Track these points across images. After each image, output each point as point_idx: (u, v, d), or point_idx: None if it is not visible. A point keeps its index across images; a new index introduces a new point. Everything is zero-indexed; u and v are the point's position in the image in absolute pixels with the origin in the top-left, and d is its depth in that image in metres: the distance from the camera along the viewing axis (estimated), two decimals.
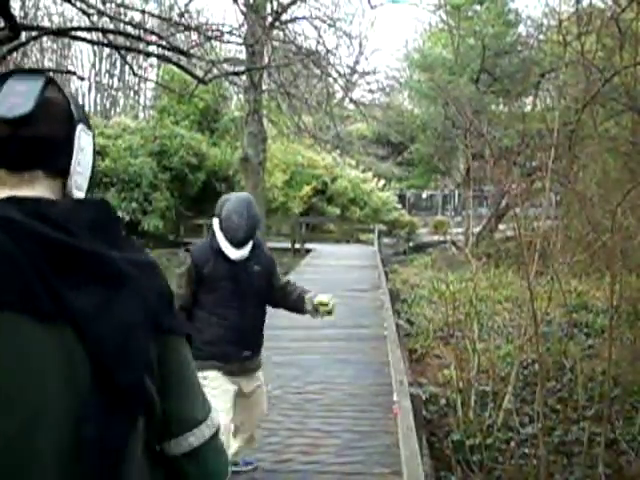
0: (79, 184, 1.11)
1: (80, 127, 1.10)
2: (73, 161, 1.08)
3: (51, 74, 1.11)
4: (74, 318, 0.94)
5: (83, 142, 1.10)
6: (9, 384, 0.88)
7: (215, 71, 8.09)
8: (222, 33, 9.29)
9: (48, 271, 0.94)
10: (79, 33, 6.71)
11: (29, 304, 0.91)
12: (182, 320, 1.18)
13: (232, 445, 3.42)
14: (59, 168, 1.07)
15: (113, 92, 35.95)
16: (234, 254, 3.20)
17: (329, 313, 3.41)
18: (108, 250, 1.01)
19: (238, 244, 3.18)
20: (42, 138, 1.04)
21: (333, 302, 3.42)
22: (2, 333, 0.90)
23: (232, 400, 3.26)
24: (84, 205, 1.08)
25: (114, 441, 0.93)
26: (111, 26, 7.88)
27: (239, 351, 3.28)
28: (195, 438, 1.11)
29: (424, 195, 36.20)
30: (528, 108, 20.04)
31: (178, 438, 1.09)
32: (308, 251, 19.43)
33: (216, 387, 3.14)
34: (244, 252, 3.23)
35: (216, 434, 1.16)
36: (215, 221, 3.26)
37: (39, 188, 1.05)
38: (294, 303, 3.48)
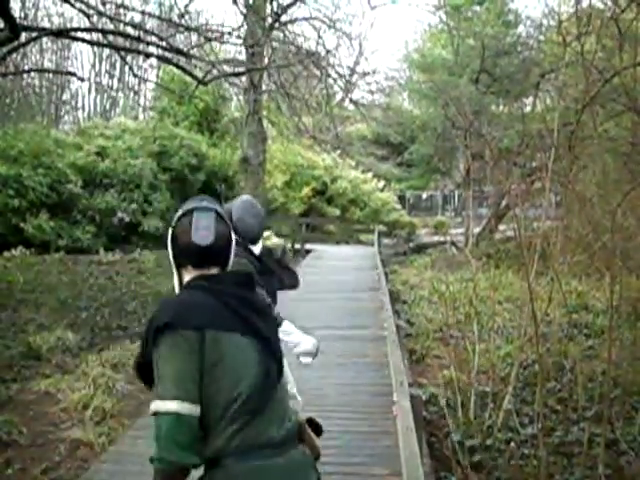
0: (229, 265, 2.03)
1: (233, 241, 2.01)
2: (231, 258, 2.01)
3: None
4: (259, 334, 1.89)
5: (232, 249, 2.01)
6: (238, 367, 1.80)
7: (215, 72, 8.11)
8: (222, 34, 9.30)
9: (241, 309, 1.88)
10: (79, 34, 6.72)
11: (236, 326, 1.84)
12: None
13: None
14: (223, 265, 1.99)
15: (113, 93, 35.94)
16: (256, 250, 3.60)
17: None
18: (255, 296, 2.06)
19: (254, 240, 3.58)
20: (217, 252, 1.95)
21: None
22: (231, 342, 1.81)
23: None
24: (239, 275, 2.04)
25: (270, 380, 1.88)
26: (111, 27, 7.88)
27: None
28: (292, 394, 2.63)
29: (424, 196, 36.21)
30: (528, 108, 20.04)
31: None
32: (308, 252, 19.44)
33: None
34: (260, 246, 3.64)
35: None
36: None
37: (212, 271, 1.97)
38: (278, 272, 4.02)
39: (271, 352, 1.91)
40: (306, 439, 2.01)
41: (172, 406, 1.70)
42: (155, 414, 1.73)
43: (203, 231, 1.90)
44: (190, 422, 1.72)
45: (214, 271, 1.96)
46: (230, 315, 1.85)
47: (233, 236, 2.00)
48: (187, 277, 1.97)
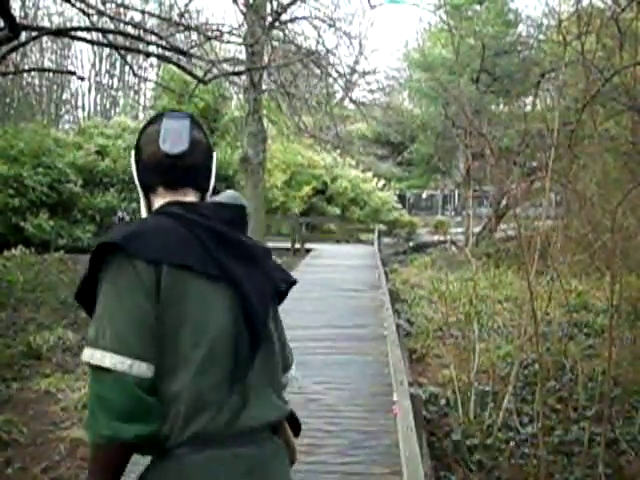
0: (208, 194, 1.62)
1: (214, 155, 1.60)
2: (211, 181, 1.61)
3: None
4: (232, 280, 1.44)
5: (214, 165, 1.60)
6: (201, 319, 1.39)
7: (215, 71, 8.10)
8: (222, 33, 9.30)
9: (213, 248, 1.44)
10: (79, 33, 6.71)
11: (205, 269, 1.41)
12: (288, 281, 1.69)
13: None
14: (201, 187, 1.58)
15: (113, 92, 35.94)
16: None
17: None
18: (243, 237, 1.55)
19: None
20: (193, 166, 1.53)
21: None
22: (191, 286, 1.39)
23: None
24: (225, 207, 1.58)
25: (249, 358, 1.45)
26: (111, 26, 7.88)
27: None
28: (287, 378, 1.72)
29: (424, 195, 36.20)
30: (528, 108, 20.02)
31: (283, 373, 1.66)
32: (308, 251, 19.43)
33: None
34: None
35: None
36: None
37: (189, 198, 1.54)
38: None
39: (250, 309, 1.44)
40: (282, 435, 1.61)
41: (101, 359, 1.30)
42: (89, 365, 1.33)
43: (173, 136, 1.49)
44: (130, 384, 1.29)
45: (191, 197, 1.53)
46: (201, 253, 1.41)
47: (214, 154, 1.59)
48: (158, 204, 1.53)
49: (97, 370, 1.31)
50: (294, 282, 1.67)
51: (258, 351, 1.46)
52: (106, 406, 1.28)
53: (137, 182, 1.59)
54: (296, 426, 1.75)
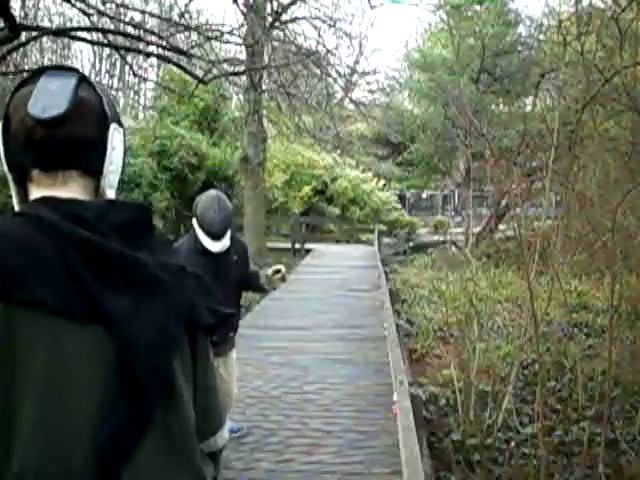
0: (111, 182, 1.12)
1: (113, 126, 1.12)
2: (106, 161, 1.10)
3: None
4: (107, 320, 0.97)
5: (115, 141, 1.12)
6: (53, 383, 0.93)
7: (215, 71, 8.10)
8: (222, 33, 9.29)
9: (82, 272, 0.96)
10: (79, 33, 6.72)
11: (65, 306, 0.95)
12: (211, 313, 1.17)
13: None
14: (93, 168, 1.09)
15: (113, 92, 35.93)
16: (215, 247, 3.49)
17: (282, 279, 3.94)
18: (140, 253, 1.04)
19: (216, 236, 3.48)
20: (76, 139, 1.05)
21: (282, 268, 3.93)
22: (39, 333, 0.93)
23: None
24: (118, 207, 1.08)
25: (126, 443, 0.97)
26: (111, 26, 7.88)
27: (224, 334, 3.65)
28: (219, 440, 1.21)
29: (424, 195, 36.20)
30: (528, 108, 20.02)
31: (207, 440, 1.18)
32: (308, 251, 19.43)
33: None
34: (224, 243, 3.53)
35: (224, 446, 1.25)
36: (194, 220, 3.56)
37: (73, 188, 1.07)
38: (254, 282, 3.92)
39: (137, 363, 0.99)
40: None
41: None
42: None
43: (48, 98, 1.03)
44: None
45: (76, 185, 1.07)
46: (67, 283, 0.95)
47: (116, 126, 1.12)
48: (33, 197, 1.08)
49: None
50: (227, 315, 1.22)
51: (148, 425, 0.99)
52: None
53: (4, 163, 1.09)
54: None
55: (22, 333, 0.92)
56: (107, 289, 0.98)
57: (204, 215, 3.47)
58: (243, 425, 4.67)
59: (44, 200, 1.04)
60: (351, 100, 22.00)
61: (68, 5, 6.63)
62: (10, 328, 0.91)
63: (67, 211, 1.01)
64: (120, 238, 1.02)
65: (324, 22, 16.54)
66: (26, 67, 22.80)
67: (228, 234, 3.55)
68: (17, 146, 1.06)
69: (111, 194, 1.12)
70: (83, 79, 1.10)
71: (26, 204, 1.07)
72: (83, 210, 1.03)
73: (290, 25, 16.02)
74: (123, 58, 8.85)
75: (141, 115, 32.76)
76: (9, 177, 1.10)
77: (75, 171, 1.07)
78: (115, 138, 1.12)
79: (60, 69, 1.11)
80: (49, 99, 1.04)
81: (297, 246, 20.13)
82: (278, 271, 3.89)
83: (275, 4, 15.10)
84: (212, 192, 3.67)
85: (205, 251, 3.49)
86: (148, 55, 7.41)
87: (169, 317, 1.04)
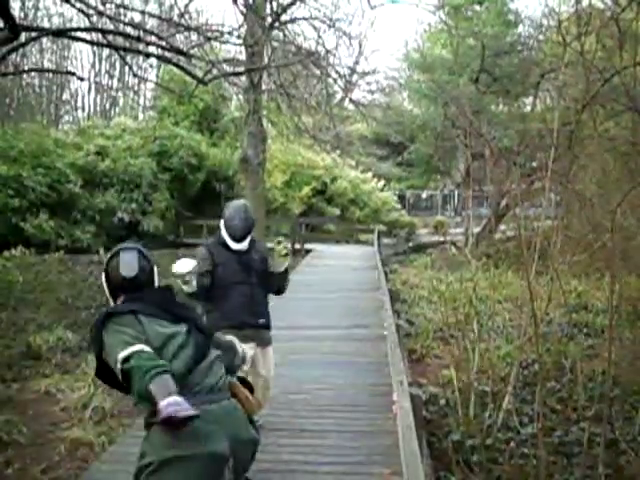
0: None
1: (155, 269, 2.68)
2: (155, 282, 2.68)
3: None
4: (188, 322, 2.52)
5: (155, 277, 2.68)
6: (168, 341, 2.41)
7: (215, 71, 8.10)
8: (222, 34, 9.30)
9: (160, 306, 2.52)
10: (79, 34, 6.72)
11: (160, 315, 2.47)
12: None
13: None
14: (148, 287, 2.64)
15: (113, 93, 35.93)
16: (235, 246, 4.25)
17: (285, 255, 4.24)
18: (177, 309, 2.57)
19: (238, 240, 4.25)
20: (140, 282, 2.57)
21: (283, 244, 4.23)
22: (154, 322, 2.44)
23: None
24: (163, 291, 2.65)
25: (200, 355, 2.47)
26: (111, 27, 7.88)
27: (253, 319, 4.22)
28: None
29: (424, 195, 36.20)
30: (528, 108, 20.06)
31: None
32: (308, 251, 19.42)
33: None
34: (243, 245, 4.28)
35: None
36: (221, 222, 4.32)
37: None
38: (274, 280, 4.42)
39: (196, 333, 2.48)
40: (238, 394, 2.49)
41: (126, 352, 2.22)
42: (124, 371, 2.23)
43: (127, 267, 2.54)
44: (148, 352, 2.25)
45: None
46: (153, 309, 2.45)
47: (155, 268, 2.66)
48: (119, 301, 2.58)
49: (126, 361, 2.23)
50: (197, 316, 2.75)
51: (206, 353, 2.48)
52: (143, 365, 2.20)
53: (108, 294, 2.61)
54: (250, 387, 2.65)
55: (149, 323, 2.42)
56: (183, 314, 2.57)
57: (231, 220, 4.23)
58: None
59: (131, 297, 2.55)
60: (351, 100, 22.02)
61: (68, 6, 6.64)
62: (148, 322, 2.42)
63: (140, 295, 2.56)
64: (162, 306, 2.53)
65: (324, 22, 16.54)
66: (26, 67, 22.80)
67: (248, 239, 4.27)
68: (115, 287, 2.59)
69: None
70: (140, 251, 2.64)
71: (124, 298, 2.56)
72: (145, 294, 2.57)
73: (290, 25, 16.02)
74: (123, 58, 8.85)
75: (141, 115, 32.75)
76: (108, 295, 2.64)
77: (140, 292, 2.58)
78: (155, 276, 2.68)
79: (128, 248, 2.65)
80: (128, 267, 2.57)
81: (297, 246, 20.12)
82: (279, 243, 4.31)
83: (275, 4, 15.09)
84: (240, 202, 4.45)
85: (228, 247, 4.25)
86: (148, 55, 7.41)
87: (193, 316, 2.64)
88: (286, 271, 4.44)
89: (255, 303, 4.25)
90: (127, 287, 2.53)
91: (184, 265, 4.07)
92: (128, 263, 2.54)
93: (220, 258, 4.22)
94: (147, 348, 2.25)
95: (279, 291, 4.50)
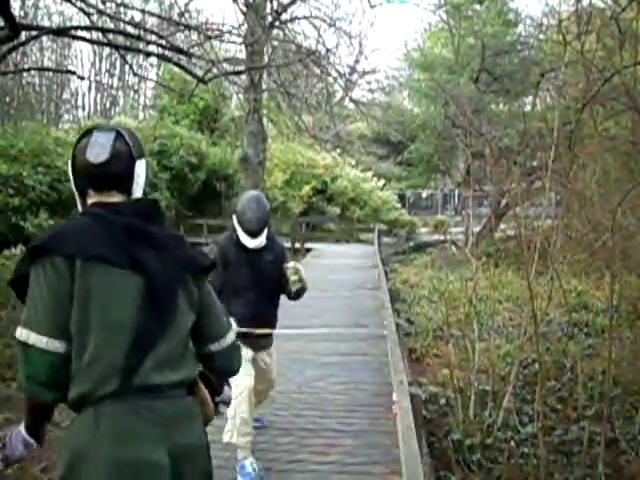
0: (137, 195, 1.88)
1: (138, 163, 1.86)
2: (134, 184, 1.86)
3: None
4: (141, 267, 1.73)
5: (139, 171, 1.87)
6: (108, 301, 1.68)
7: (215, 71, 8.09)
8: (222, 33, 9.30)
9: (125, 242, 1.73)
10: (79, 32, 6.71)
11: (116, 259, 1.70)
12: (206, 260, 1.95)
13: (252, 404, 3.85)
14: (126, 189, 1.85)
15: (113, 91, 35.94)
16: (251, 243, 3.76)
17: (299, 281, 3.83)
18: (155, 228, 1.83)
19: (253, 234, 3.75)
20: (114, 173, 1.81)
21: (298, 267, 3.84)
22: (102, 275, 1.68)
23: (251, 365, 3.82)
24: (139, 201, 1.87)
25: (151, 333, 1.74)
26: (111, 25, 7.88)
27: (259, 328, 3.85)
28: (226, 341, 1.96)
29: (424, 194, 36.21)
30: (528, 108, 20.04)
31: (217, 341, 1.94)
32: (308, 250, 19.43)
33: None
34: (260, 241, 3.79)
35: (236, 339, 2.02)
36: (234, 217, 3.83)
37: (114, 199, 1.83)
38: (286, 287, 3.95)
39: (155, 291, 1.74)
40: (197, 394, 1.87)
41: (26, 337, 1.69)
42: (18, 341, 1.70)
43: (97, 148, 1.79)
44: (47, 357, 1.64)
45: (116, 198, 1.82)
46: (115, 247, 1.71)
47: (140, 161, 1.86)
48: (89, 203, 1.86)
49: (22, 345, 1.68)
50: (210, 265, 1.94)
51: (165, 324, 1.75)
52: (31, 375, 1.65)
53: (73, 185, 1.87)
54: (212, 387, 1.99)
55: (93, 275, 1.67)
56: (139, 249, 1.75)
57: (243, 213, 3.73)
58: (265, 420, 4.72)
59: (97, 204, 1.81)
60: (351, 99, 22.00)
61: (68, 4, 6.63)
62: (87, 273, 1.66)
63: (112, 208, 1.79)
64: (143, 219, 1.81)
65: (324, 21, 16.56)
66: (26, 66, 22.82)
67: (264, 233, 3.78)
68: (80, 177, 1.85)
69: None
70: (118, 134, 1.84)
71: (85, 207, 1.84)
72: (119, 206, 1.81)
73: (290, 24, 16.01)
74: (123, 57, 8.84)
75: (141, 114, 32.76)
76: (75, 193, 1.89)
77: (114, 191, 1.83)
78: (138, 169, 1.87)
79: (104, 127, 1.87)
80: (98, 150, 1.80)
81: (297, 245, 20.12)
82: (295, 271, 3.81)
83: (275, 3, 15.09)
84: (254, 192, 3.96)
85: (241, 245, 3.78)
86: (148, 54, 7.41)
87: (174, 264, 1.81)
88: (298, 292, 3.96)
89: (263, 311, 3.90)
90: (94, 179, 1.81)
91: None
92: (98, 144, 1.80)
93: (230, 257, 3.79)
94: (54, 345, 1.65)
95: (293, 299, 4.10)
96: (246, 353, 3.67)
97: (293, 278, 3.80)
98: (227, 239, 3.89)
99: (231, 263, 3.78)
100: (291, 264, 3.85)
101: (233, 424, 3.74)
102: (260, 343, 3.94)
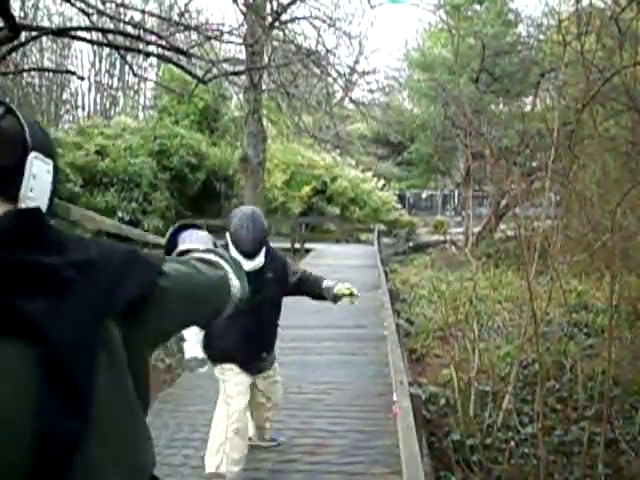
0: (29, 205, 1.12)
1: (33, 155, 1.11)
2: (23, 188, 1.10)
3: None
4: (25, 327, 0.94)
5: (36, 169, 1.12)
6: None
7: (215, 71, 8.09)
8: (222, 33, 9.28)
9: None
10: (79, 33, 6.70)
11: None
12: (152, 265, 1.20)
13: (250, 427, 3.72)
14: (9, 194, 1.08)
15: (113, 92, 35.93)
16: (248, 265, 3.31)
17: (352, 295, 3.73)
18: (45, 257, 1.02)
19: (248, 256, 3.35)
20: None
21: (353, 289, 3.73)
22: None
23: (247, 387, 3.58)
24: (18, 215, 1.07)
25: (66, 435, 0.94)
26: (111, 26, 7.88)
27: (257, 353, 3.62)
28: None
29: (424, 195, 36.22)
30: (528, 108, 20.05)
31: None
32: (308, 251, 19.42)
33: (232, 376, 3.49)
34: (258, 262, 3.41)
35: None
36: (227, 235, 3.44)
37: None
38: (310, 289, 3.73)
39: (64, 364, 0.96)
40: None
41: None
42: None
43: None
44: None
45: None
46: None
47: (39, 156, 1.12)
48: None
49: None
50: (152, 281, 1.17)
51: (86, 417, 0.96)
52: None
53: None
54: None
55: None
56: (22, 299, 0.94)
57: (237, 233, 3.37)
58: (279, 439, 4.42)
59: None
60: (351, 100, 22.02)
61: (68, 5, 6.63)
62: None
63: None
64: (21, 247, 1.01)
65: (324, 22, 16.55)
66: (26, 67, 22.83)
67: (262, 252, 3.44)
68: None
69: None
70: (9, 110, 1.10)
71: None
72: None
73: (290, 25, 16.01)
74: (123, 58, 8.84)
75: (141, 115, 32.76)
76: None
77: None
78: (35, 167, 1.12)
79: None
80: None
81: (297, 246, 20.12)
82: (351, 294, 3.70)
83: (275, 4, 15.09)
84: (247, 209, 3.57)
85: None
86: (148, 55, 7.41)
87: (86, 314, 1.01)
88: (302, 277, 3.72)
89: (263, 337, 3.63)
90: None
91: (193, 349, 3.28)
92: None
93: None
94: None
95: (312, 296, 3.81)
96: (243, 378, 3.53)
97: (346, 295, 3.69)
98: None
99: None
100: (355, 292, 3.73)
101: (221, 450, 3.43)
102: (262, 366, 3.71)
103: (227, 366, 3.49)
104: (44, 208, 1.14)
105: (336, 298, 3.68)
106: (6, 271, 0.96)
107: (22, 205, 1.09)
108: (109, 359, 1.04)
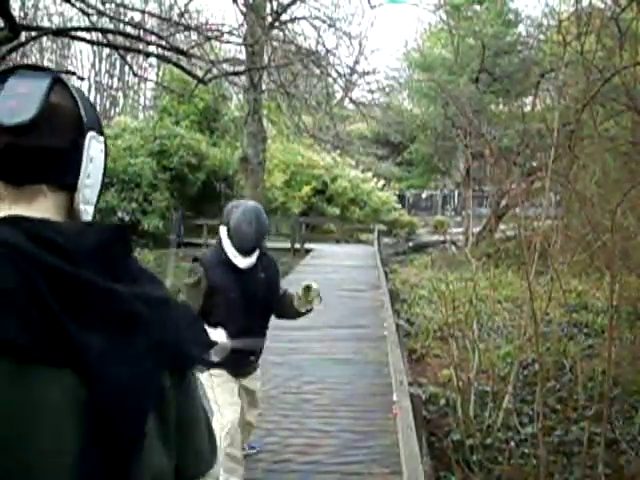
0: (87, 198, 0.95)
1: (90, 135, 0.94)
2: (82, 174, 0.93)
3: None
4: (79, 361, 0.80)
5: (93, 151, 0.95)
6: (16, 432, 0.75)
7: (215, 71, 8.09)
8: (222, 33, 9.27)
9: (53, 305, 0.79)
10: (79, 33, 6.70)
11: (38, 349, 0.77)
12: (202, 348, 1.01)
13: (238, 436, 3.52)
14: (65, 182, 0.92)
15: (113, 92, 35.95)
16: (242, 263, 3.23)
17: (309, 289, 3.30)
18: (117, 284, 0.86)
19: (246, 252, 3.22)
20: (45, 149, 0.89)
21: (316, 286, 3.32)
22: (8, 379, 0.76)
23: (237, 394, 3.43)
24: (94, 230, 0.91)
25: (109, 467, 0.81)
26: (111, 26, 7.88)
27: (246, 357, 3.42)
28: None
29: (424, 195, 36.21)
30: (528, 108, 20.03)
31: None
32: (308, 251, 19.43)
33: (221, 383, 3.33)
34: (252, 260, 3.28)
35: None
36: (222, 229, 3.27)
37: (43, 205, 0.90)
38: (288, 307, 3.44)
39: (107, 412, 0.81)
40: None
41: None
42: None
43: (13, 102, 0.88)
44: None
45: (46, 202, 0.90)
46: (34, 317, 0.77)
47: (94, 135, 0.94)
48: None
49: None
50: (210, 343, 1.03)
51: (128, 473, 0.82)
52: None
53: None
54: None
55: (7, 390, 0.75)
56: (82, 326, 0.81)
57: (239, 227, 3.17)
58: (257, 445, 4.30)
59: (8, 220, 0.85)
60: (351, 100, 22.01)
61: (68, 5, 6.63)
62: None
63: (36, 234, 0.82)
64: (95, 266, 0.85)
65: (324, 22, 16.56)
66: None
67: (256, 253, 3.29)
68: None
69: (88, 211, 0.95)
70: (57, 81, 0.92)
71: None
72: (55, 233, 0.84)
73: (290, 25, 16.01)
74: (123, 58, 8.83)
75: (141, 115, 32.76)
76: None
77: (45, 185, 0.90)
78: (93, 148, 0.95)
79: (32, 68, 0.94)
80: (17, 103, 0.87)
81: (297, 246, 20.13)
82: (308, 288, 3.30)
83: (275, 4, 15.09)
84: (251, 203, 3.37)
85: (231, 265, 3.25)
86: (148, 55, 7.40)
87: (148, 358, 0.86)
88: (307, 311, 3.45)
89: (253, 340, 3.42)
90: (7, 161, 0.88)
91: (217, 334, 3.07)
92: (17, 95, 0.88)
93: (216, 280, 3.21)
94: None
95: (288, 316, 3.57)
96: (232, 385, 3.40)
97: (316, 300, 3.33)
98: (213, 257, 3.31)
99: (218, 288, 3.22)
100: (314, 285, 3.31)
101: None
102: (249, 370, 3.54)
103: (216, 372, 3.25)
104: (98, 192, 0.98)
105: (300, 303, 3.35)
106: (72, 290, 0.81)
107: (79, 196, 0.93)
108: (160, 417, 0.88)
